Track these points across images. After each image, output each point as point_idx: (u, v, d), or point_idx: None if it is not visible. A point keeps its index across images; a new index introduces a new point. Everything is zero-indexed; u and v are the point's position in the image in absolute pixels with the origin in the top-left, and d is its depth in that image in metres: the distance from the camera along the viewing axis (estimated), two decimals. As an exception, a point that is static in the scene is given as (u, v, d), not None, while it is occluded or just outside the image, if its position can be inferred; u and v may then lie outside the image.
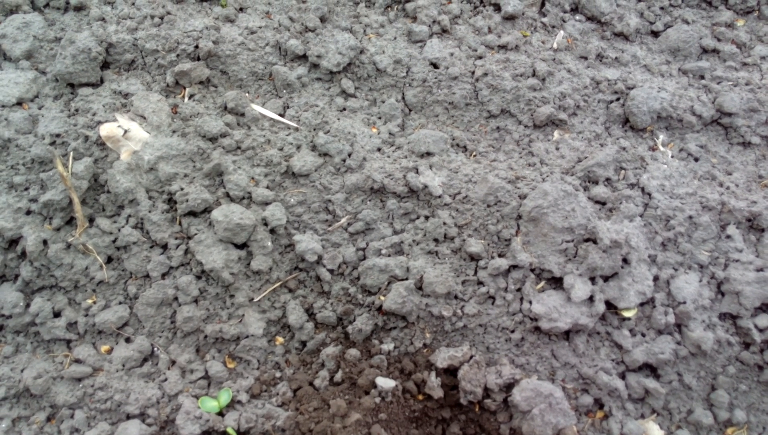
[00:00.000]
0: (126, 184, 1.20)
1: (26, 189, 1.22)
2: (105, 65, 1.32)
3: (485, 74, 1.35)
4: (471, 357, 1.23)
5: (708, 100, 1.37)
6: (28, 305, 1.23)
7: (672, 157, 1.33)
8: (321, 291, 1.28)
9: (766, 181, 1.32)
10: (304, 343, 1.28)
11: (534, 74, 1.37)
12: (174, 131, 1.26)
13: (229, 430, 1.19)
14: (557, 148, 1.35)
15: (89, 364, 1.23)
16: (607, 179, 1.30)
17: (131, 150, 1.22)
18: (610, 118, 1.37)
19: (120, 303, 1.26)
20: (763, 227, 1.27)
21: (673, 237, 1.26)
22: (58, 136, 1.22)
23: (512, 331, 1.25)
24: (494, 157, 1.35)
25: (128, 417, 1.21)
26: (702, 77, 1.42)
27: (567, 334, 1.24)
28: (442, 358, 1.22)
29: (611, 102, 1.37)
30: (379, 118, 1.37)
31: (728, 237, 1.27)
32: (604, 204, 1.28)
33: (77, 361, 1.24)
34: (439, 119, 1.37)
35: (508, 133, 1.37)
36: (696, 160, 1.35)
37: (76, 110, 1.26)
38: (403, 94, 1.38)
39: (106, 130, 1.21)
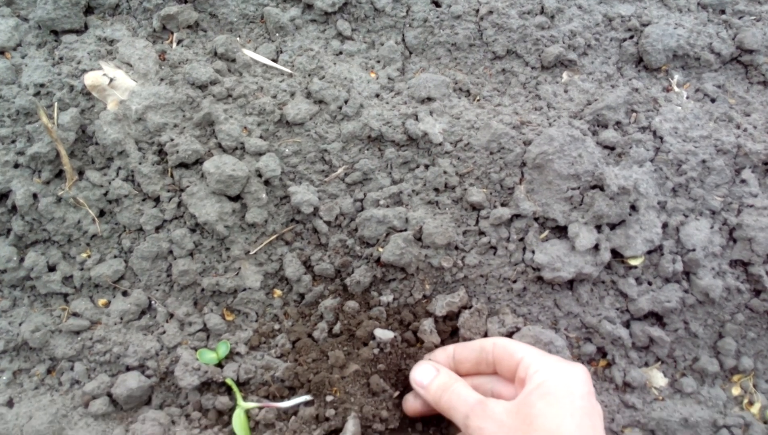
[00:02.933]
0: (114, 135, 1.20)
1: (13, 141, 1.22)
2: (89, 10, 1.29)
3: (490, 12, 1.31)
4: (471, 305, 1.24)
5: (728, 37, 1.32)
6: (22, 259, 1.25)
7: (687, 98, 1.30)
8: (318, 243, 1.28)
9: (786, 122, 1.29)
10: (302, 296, 1.29)
11: (542, 11, 1.33)
12: (162, 79, 1.25)
13: (228, 380, 1.22)
14: (566, 91, 1.31)
15: (87, 317, 1.26)
16: (618, 123, 1.27)
17: (118, 99, 1.21)
18: (622, 58, 1.33)
19: (115, 257, 1.27)
20: (780, 171, 1.24)
21: (685, 182, 1.24)
22: (42, 86, 1.22)
23: (514, 281, 1.25)
24: (499, 102, 1.33)
25: (127, 369, 1.24)
26: (722, 12, 1.36)
27: (570, 284, 1.24)
28: (440, 305, 1.23)
29: (624, 40, 1.33)
30: (378, 61, 1.34)
31: (743, 181, 1.24)
32: (613, 149, 1.26)
33: (75, 314, 1.27)
34: (441, 62, 1.34)
35: (514, 76, 1.34)
36: (713, 100, 1.31)
37: (60, 58, 1.25)
38: (402, 35, 1.34)
39: (90, 78, 1.20)
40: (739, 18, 1.35)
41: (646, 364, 1.26)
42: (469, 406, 0.98)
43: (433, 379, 1.08)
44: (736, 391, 1.28)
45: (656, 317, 1.26)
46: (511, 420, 0.92)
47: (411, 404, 1.16)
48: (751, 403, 1.27)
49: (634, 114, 1.28)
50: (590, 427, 0.89)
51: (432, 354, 1.16)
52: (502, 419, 0.93)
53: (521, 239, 1.25)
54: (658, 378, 1.25)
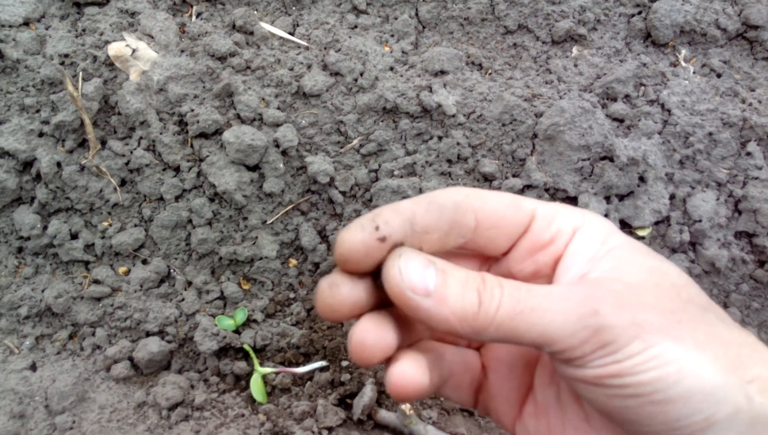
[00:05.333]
0: (136, 105, 1.26)
1: (38, 111, 1.28)
2: (109, -17, 1.35)
3: (502, -12, 1.37)
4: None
5: (734, 13, 1.38)
6: (45, 227, 1.31)
7: (694, 72, 1.36)
8: (333, 213, 1.35)
9: (791, 96, 1.35)
10: (317, 265, 1.36)
11: (553, -12, 1.39)
12: (182, 51, 1.30)
13: (246, 346, 1.28)
14: (575, 65, 1.37)
15: (108, 284, 1.32)
16: (626, 96, 1.34)
17: (140, 70, 1.27)
18: (631, 33, 1.39)
19: (135, 225, 1.33)
20: (784, 144, 1.30)
21: (692, 154, 1.31)
22: (66, 56, 1.27)
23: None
24: (510, 75, 1.39)
25: (148, 334, 1.31)
26: (729, -12, 1.42)
27: (580, 253, 1.30)
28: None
29: (633, 15, 1.39)
30: (392, 35, 1.40)
31: (748, 154, 1.31)
32: (622, 121, 1.32)
33: (96, 281, 1.33)
34: (454, 36, 1.40)
35: (525, 50, 1.40)
36: (718, 75, 1.37)
37: (84, 30, 1.30)
38: (416, 9, 1.40)
39: (114, 49, 1.26)
40: (746, -6, 1.41)
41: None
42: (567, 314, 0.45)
43: (457, 284, 0.47)
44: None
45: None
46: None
47: (346, 297, 0.49)
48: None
49: (642, 87, 1.34)
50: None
51: (378, 216, 0.50)
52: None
53: (532, 209, 1.31)
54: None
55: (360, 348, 0.47)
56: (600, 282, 0.46)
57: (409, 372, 0.48)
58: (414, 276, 0.45)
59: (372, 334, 0.47)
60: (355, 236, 0.46)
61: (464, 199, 0.51)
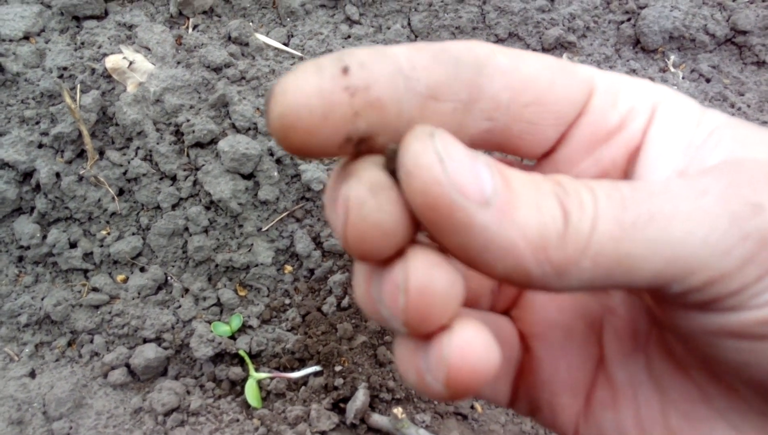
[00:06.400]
0: (133, 115, 1.30)
1: (37, 123, 1.32)
2: (108, -2, 1.40)
3: (493, -2, 1.40)
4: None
5: (722, 19, 1.40)
6: (44, 237, 1.35)
7: (683, 78, 1.38)
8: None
9: (780, 100, 1.37)
10: (312, 271, 1.38)
11: (543, -3, 1.42)
12: (179, 62, 1.34)
13: (241, 352, 1.31)
14: (565, 72, 1.40)
15: (106, 292, 1.35)
16: (616, 102, 1.36)
17: (137, 82, 1.31)
18: (620, 40, 1.42)
19: (133, 234, 1.37)
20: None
21: (681, 159, 1.33)
22: (65, 69, 1.32)
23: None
24: (501, 83, 1.42)
25: (145, 341, 1.34)
26: (718, -6, 1.45)
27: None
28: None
29: (622, 22, 1.42)
30: (385, 45, 1.44)
31: (738, 158, 1.33)
32: (611, 127, 1.35)
33: (94, 289, 1.36)
34: (445, 46, 1.44)
35: (516, 58, 1.43)
36: (708, 80, 1.40)
37: (82, 43, 1.35)
38: (409, 19, 1.44)
39: (111, 61, 1.30)
40: (733, 0, 1.43)
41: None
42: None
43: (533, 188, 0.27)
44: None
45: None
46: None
47: (401, 209, 0.27)
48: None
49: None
50: None
51: (348, 54, 0.27)
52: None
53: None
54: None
55: (428, 301, 0.26)
56: (735, 165, 0.28)
57: (479, 344, 0.27)
58: (463, 169, 0.25)
59: (442, 278, 0.27)
60: (309, 81, 0.26)
61: (489, 54, 0.30)
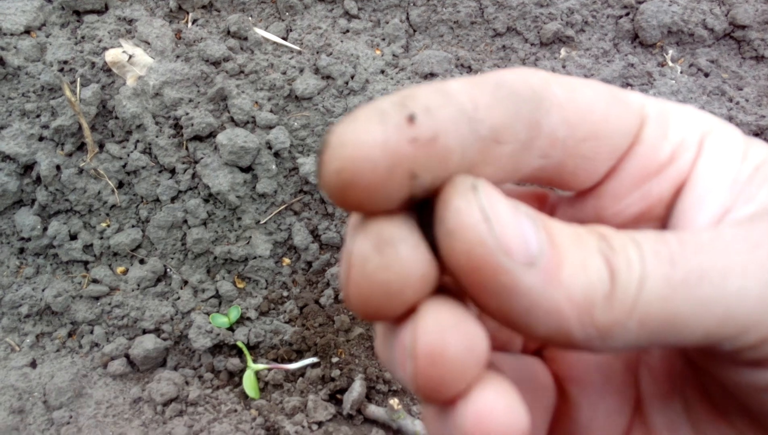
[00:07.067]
0: (133, 109, 1.31)
1: (38, 116, 1.34)
2: (108, -8, 1.41)
3: (492, -8, 1.41)
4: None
5: (721, 13, 1.41)
6: (45, 229, 1.37)
7: (681, 72, 1.39)
8: (325, 213, 1.39)
9: (778, 95, 1.37)
10: (309, 264, 1.40)
11: (542, -9, 1.42)
12: (178, 56, 1.36)
13: (239, 343, 1.33)
14: (564, 66, 1.41)
15: (106, 283, 1.37)
16: (613, 97, 1.37)
17: (136, 75, 1.32)
18: (618, 34, 1.43)
19: (133, 226, 1.39)
20: (770, 141, 1.33)
21: (678, 153, 1.33)
22: (65, 63, 1.33)
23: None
24: (499, 77, 1.42)
25: (144, 332, 1.36)
26: (717, -11, 1.45)
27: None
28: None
29: (620, 17, 1.42)
30: (383, 39, 1.45)
31: (735, 152, 1.33)
32: (608, 122, 1.35)
33: (95, 281, 1.38)
34: (444, 39, 1.44)
35: (514, 52, 1.43)
36: (706, 75, 1.40)
37: (83, 37, 1.36)
38: (407, 14, 1.45)
39: (111, 55, 1.32)
40: (733, -5, 1.44)
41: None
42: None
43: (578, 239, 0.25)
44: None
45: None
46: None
47: (413, 263, 0.25)
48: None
49: (629, 87, 1.37)
50: None
51: (411, 98, 0.24)
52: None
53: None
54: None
55: (440, 369, 0.24)
56: None
57: (500, 411, 0.25)
58: (509, 228, 0.24)
59: (458, 342, 0.24)
60: (371, 132, 0.23)
61: (545, 86, 0.28)
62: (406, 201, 0.24)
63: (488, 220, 0.23)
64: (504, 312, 0.24)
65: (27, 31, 1.36)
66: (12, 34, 1.34)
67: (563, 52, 1.41)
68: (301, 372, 1.33)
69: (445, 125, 0.24)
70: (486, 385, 0.25)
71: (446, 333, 0.24)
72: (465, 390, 0.25)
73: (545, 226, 0.25)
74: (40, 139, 1.35)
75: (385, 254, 0.24)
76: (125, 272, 1.39)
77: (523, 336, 0.26)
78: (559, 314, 0.24)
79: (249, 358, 1.33)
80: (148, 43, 1.36)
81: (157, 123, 1.34)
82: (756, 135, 1.34)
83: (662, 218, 0.32)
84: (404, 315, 0.25)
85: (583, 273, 0.24)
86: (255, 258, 1.38)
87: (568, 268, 0.24)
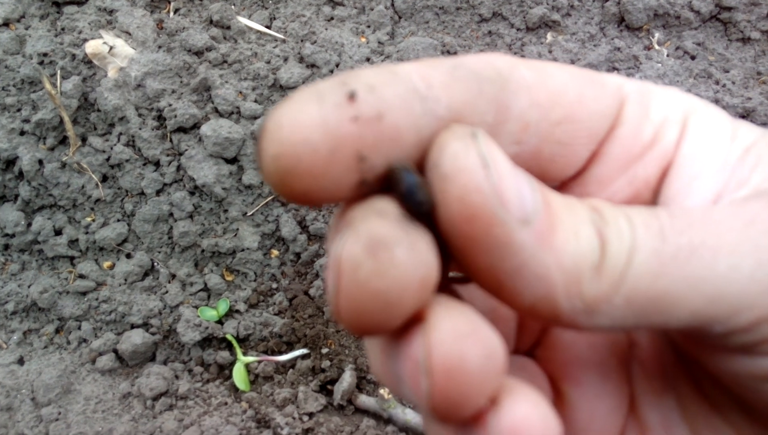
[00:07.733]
0: (115, 101, 1.30)
1: (18, 110, 1.33)
2: (87, -18, 1.39)
3: (477, -23, 1.40)
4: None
5: (707, -5, 1.41)
6: (29, 224, 1.36)
7: (668, 55, 1.39)
8: (313, 203, 1.38)
9: (764, 77, 1.37)
10: (298, 255, 1.39)
11: (528, -25, 1.42)
12: (160, 47, 1.34)
13: (229, 336, 1.32)
14: (550, 51, 1.40)
15: (92, 278, 1.37)
16: (600, 81, 1.36)
17: (118, 67, 1.31)
18: (605, 18, 1.42)
19: (118, 220, 1.38)
20: (756, 123, 1.33)
21: (665, 137, 1.33)
22: (45, 55, 1.32)
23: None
24: (485, 64, 1.42)
25: (132, 327, 1.35)
26: (703, -29, 1.45)
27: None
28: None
29: (606, 0, 1.42)
30: (368, 26, 1.44)
31: (722, 135, 1.33)
32: (596, 106, 1.35)
33: (81, 276, 1.37)
34: (430, 26, 1.44)
35: (500, 37, 1.43)
36: (692, 58, 1.40)
37: (62, 29, 1.35)
38: (392, 0, 1.44)
39: (91, 47, 1.30)
40: (719, -23, 1.43)
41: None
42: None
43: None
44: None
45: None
46: None
47: (409, 267, 0.22)
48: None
49: (615, 71, 1.37)
50: None
51: (353, 77, 0.23)
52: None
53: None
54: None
55: (459, 384, 0.22)
56: None
57: (538, 418, 0.23)
58: (507, 180, 0.22)
59: (477, 350, 0.22)
60: (308, 112, 0.22)
61: (511, 67, 0.27)
62: (357, 187, 0.23)
63: (487, 166, 0.22)
64: (492, 272, 0.23)
65: (5, 24, 1.34)
66: (-10, 27, 1.32)
67: (549, 36, 1.41)
68: (292, 363, 1.33)
69: (391, 102, 0.23)
70: (516, 395, 0.23)
71: (463, 343, 0.22)
72: (490, 403, 0.23)
73: (541, 189, 0.24)
74: (22, 133, 1.33)
75: (379, 258, 0.21)
76: (112, 267, 1.38)
77: (507, 305, 0.24)
78: (548, 280, 0.23)
79: (239, 351, 1.32)
80: (129, 34, 1.34)
81: (140, 115, 1.33)
82: (742, 117, 1.34)
83: (650, 204, 0.30)
84: (404, 326, 0.23)
85: (574, 240, 0.23)
86: (243, 250, 1.37)
87: (561, 233, 0.23)
